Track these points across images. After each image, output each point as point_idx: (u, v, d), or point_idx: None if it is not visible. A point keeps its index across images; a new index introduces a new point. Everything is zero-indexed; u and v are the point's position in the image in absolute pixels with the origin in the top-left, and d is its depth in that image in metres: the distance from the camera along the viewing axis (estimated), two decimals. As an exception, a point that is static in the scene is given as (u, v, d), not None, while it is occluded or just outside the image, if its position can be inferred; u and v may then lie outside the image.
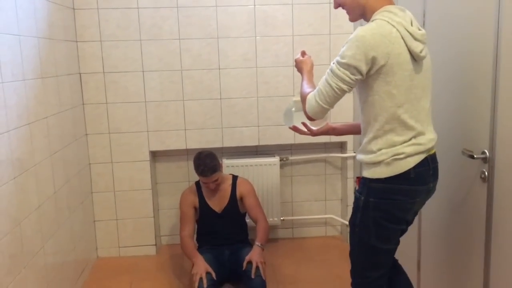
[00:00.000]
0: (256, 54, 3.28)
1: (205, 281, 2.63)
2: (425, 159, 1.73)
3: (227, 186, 3.00)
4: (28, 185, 2.21)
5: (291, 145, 3.50)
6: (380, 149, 1.70)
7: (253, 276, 2.65)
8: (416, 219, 2.37)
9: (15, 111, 2.12)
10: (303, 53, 2.06)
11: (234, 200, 2.99)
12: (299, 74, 2.04)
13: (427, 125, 1.77)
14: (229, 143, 3.34)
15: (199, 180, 3.04)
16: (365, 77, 1.66)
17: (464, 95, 1.93)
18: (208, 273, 2.69)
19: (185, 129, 3.32)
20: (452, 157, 2.02)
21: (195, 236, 3.08)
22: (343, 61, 1.65)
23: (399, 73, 1.64)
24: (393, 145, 1.69)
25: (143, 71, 3.23)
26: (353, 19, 1.82)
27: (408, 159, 1.69)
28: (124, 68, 3.21)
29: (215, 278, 2.69)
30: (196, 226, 3.06)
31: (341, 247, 3.45)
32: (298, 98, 2.19)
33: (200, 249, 2.99)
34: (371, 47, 1.60)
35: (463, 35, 1.92)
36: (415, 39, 1.66)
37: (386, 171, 1.70)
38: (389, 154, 1.69)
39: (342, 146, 3.52)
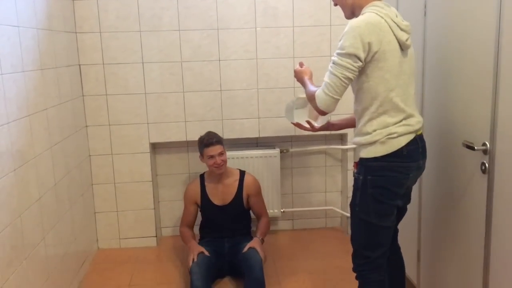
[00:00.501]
0: (257, 46, 3.26)
1: (195, 258, 2.73)
2: (414, 138, 1.88)
3: (233, 181, 3.01)
4: (28, 177, 2.21)
5: (292, 137, 3.50)
6: (375, 130, 1.85)
7: (245, 250, 2.77)
8: (416, 210, 2.39)
9: (15, 103, 2.11)
10: (301, 64, 2.23)
11: (240, 197, 3.00)
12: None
13: (414, 109, 1.92)
14: (229, 135, 3.34)
15: (203, 174, 3.05)
16: (364, 64, 1.79)
17: (465, 86, 1.93)
18: (201, 253, 2.77)
19: (185, 121, 3.32)
20: (452, 148, 2.02)
21: (198, 226, 3.11)
22: (344, 51, 1.78)
23: (390, 59, 1.80)
24: (387, 125, 1.84)
25: (143, 63, 3.22)
26: (346, 16, 1.98)
27: (400, 138, 1.84)
28: (123, 59, 3.19)
29: (207, 254, 2.78)
30: (199, 218, 3.10)
31: (341, 238, 3.46)
32: (301, 95, 2.35)
33: (201, 241, 3.01)
34: (366, 34, 1.75)
35: (464, 27, 1.91)
36: (401, 29, 1.83)
37: (381, 149, 1.84)
38: (383, 134, 1.84)
39: (342, 138, 3.52)
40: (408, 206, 2.49)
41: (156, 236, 3.45)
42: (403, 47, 1.84)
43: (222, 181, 3.00)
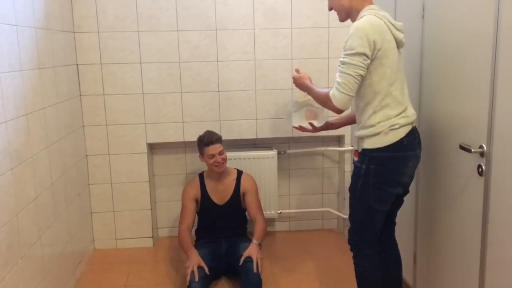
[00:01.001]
0: (255, 47, 3.27)
1: (196, 274, 2.65)
2: (412, 129, 2.04)
3: (231, 180, 3.02)
4: (25, 176, 2.21)
5: (289, 138, 3.50)
6: (379, 122, 1.99)
7: (255, 271, 2.66)
8: (412, 212, 2.39)
9: (12, 102, 2.11)
10: (298, 70, 2.38)
11: (237, 195, 3.00)
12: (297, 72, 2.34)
13: (409, 102, 2.08)
14: (227, 135, 3.34)
15: (202, 173, 3.05)
16: (370, 61, 1.93)
17: (462, 89, 1.93)
18: (200, 268, 2.70)
19: (183, 122, 3.32)
20: (449, 151, 2.02)
21: (194, 228, 3.09)
22: (354, 51, 1.91)
23: (391, 56, 1.96)
24: (389, 118, 1.98)
25: (140, 63, 3.21)
26: (341, 19, 2.15)
27: (401, 129, 1.99)
28: (121, 59, 3.19)
29: (207, 272, 2.70)
30: (196, 218, 3.08)
31: (338, 240, 3.46)
32: (298, 99, 2.46)
33: (198, 242, 3.00)
34: (371, 34, 1.90)
35: (461, 30, 1.92)
36: (397, 29, 2.00)
37: (385, 140, 1.98)
38: (387, 125, 1.98)
39: (339, 140, 3.53)
40: (405, 208, 2.51)
41: (152, 237, 3.44)
42: (399, 45, 2.02)
43: (221, 180, 3.00)
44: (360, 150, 2.08)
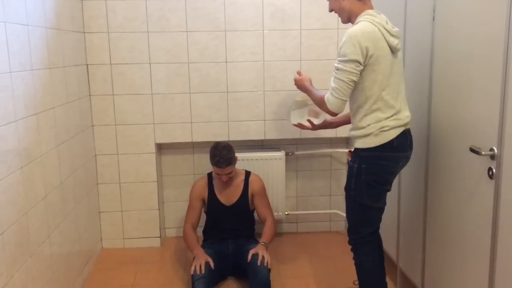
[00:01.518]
0: (264, 48, 3.27)
1: (203, 268, 2.67)
2: (403, 132, 2.13)
3: (239, 181, 3.02)
4: (34, 175, 2.22)
5: (297, 139, 3.50)
6: (369, 125, 2.09)
7: (259, 263, 2.67)
8: (421, 214, 2.38)
9: (23, 101, 2.12)
10: (300, 73, 2.49)
11: (245, 196, 3.00)
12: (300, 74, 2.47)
13: (404, 104, 2.16)
14: (235, 136, 3.34)
15: (211, 172, 3.05)
16: (363, 67, 2.02)
17: (472, 91, 1.92)
18: (206, 263, 2.72)
19: (191, 122, 3.32)
20: (459, 153, 2.01)
21: (202, 229, 3.10)
22: (346, 58, 2.01)
23: (383, 63, 2.03)
24: (379, 120, 2.08)
25: (150, 63, 3.23)
26: (343, 21, 2.23)
27: (391, 131, 2.09)
28: (131, 60, 3.21)
29: (212, 267, 2.72)
30: (204, 219, 3.08)
31: (345, 242, 3.41)
32: (298, 98, 2.55)
33: (204, 243, 3.01)
34: (363, 41, 1.99)
35: (472, 31, 1.90)
36: (391, 35, 2.07)
37: (374, 141, 2.09)
38: (377, 127, 2.08)
39: (348, 142, 3.52)
40: (413, 211, 2.50)
41: (160, 237, 3.45)
42: (393, 51, 2.08)
43: (229, 181, 3.00)
44: (353, 150, 2.19)
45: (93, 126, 3.25)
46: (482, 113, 1.85)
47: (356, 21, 2.10)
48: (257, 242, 2.92)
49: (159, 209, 3.43)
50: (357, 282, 2.51)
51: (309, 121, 2.57)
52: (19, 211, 2.05)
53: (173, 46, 3.22)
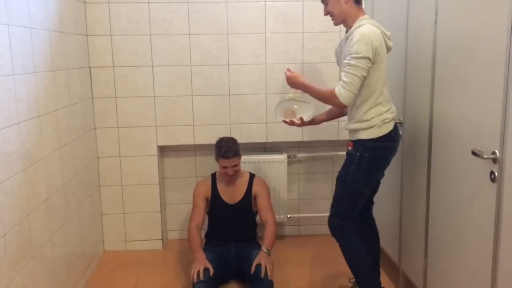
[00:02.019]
0: (266, 51, 3.27)
1: (201, 275, 2.65)
2: (395, 124, 2.37)
3: (243, 181, 3.03)
4: (37, 177, 2.23)
5: (299, 142, 3.50)
6: (373, 117, 2.28)
7: (262, 276, 2.64)
8: (423, 218, 2.38)
9: (25, 103, 2.13)
10: (290, 70, 2.53)
11: (249, 196, 3.01)
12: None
13: (391, 101, 2.40)
14: (237, 139, 3.32)
15: (215, 173, 3.05)
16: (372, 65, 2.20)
17: (475, 94, 1.92)
18: (206, 270, 2.69)
19: (193, 125, 3.33)
20: (461, 156, 2.00)
21: (204, 231, 3.09)
22: (360, 55, 2.17)
23: (384, 61, 2.27)
24: (381, 113, 2.29)
25: (152, 66, 3.23)
26: (337, 23, 2.39)
27: (390, 123, 2.31)
28: (133, 62, 3.21)
29: (211, 275, 2.69)
30: (207, 218, 3.07)
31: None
32: (292, 95, 2.61)
33: (207, 245, 3.01)
34: (374, 41, 2.18)
35: (474, 34, 1.90)
36: (388, 38, 2.29)
37: (378, 132, 2.29)
38: (380, 120, 2.28)
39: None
40: (415, 214, 2.49)
41: (162, 239, 3.45)
42: (388, 51, 2.31)
43: (233, 181, 3.01)
44: (354, 141, 2.34)
45: (95, 128, 3.26)
46: (484, 116, 1.84)
47: (357, 24, 2.25)
48: (259, 246, 2.91)
49: (161, 212, 3.43)
50: (353, 280, 2.65)
51: (300, 119, 2.60)
52: (21, 213, 2.05)
53: (176, 48, 3.22)
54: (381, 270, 3.01)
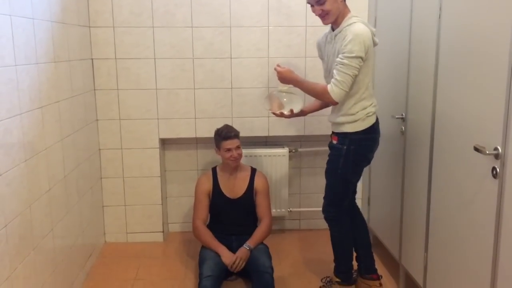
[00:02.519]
0: (269, 44, 3.26)
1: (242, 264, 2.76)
2: (377, 118, 2.48)
3: (245, 175, 3.03)
4: (39, 168, 2.23)
5: (301, 136, 3.50)
6: (357, 112, 2.40)
7: (233, 268, 2.74)
8: (424, 213, 2.38)
9: (28, 94, 2.13)
10: (279, 65, 2.55)
11: (250, 192, 3.02)
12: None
13: (374, 95, 2.52)
14: (238, 132, 3.34)
15: (215, 167, 3.06)
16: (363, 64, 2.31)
17: (478, 89, 1.91)
18: (215, 264, 2.72)
19: (195, 118, 3.33)
20: (463, 152, 2.00)
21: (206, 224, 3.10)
22: (353, 55, 2.25)
23: (372, 58, 2.38)
24: (365, 107, 2.41)
25: (154, 58, 3.23)
26: (328, 23, 2.42)
27: (373, 116, 2.44)
28: (136, 54, 3.21)
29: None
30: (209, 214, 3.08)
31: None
32: (282, 88, 2.64)
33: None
34: (366, 40, 2.28)
35: (478, 29, 1.89)
36: (374, 34, 2.39)
37: (362, 125, 2.41)
38: (364, 113, 2.40)
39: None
40: (416, 210, 2.49)
41: (163, 232, 3.46)
42: (373, 46, 2.39)
43: (234, 174, 3.01)
44: (339, 134, 2.47)
45: (97, 120, 3.26)
46: (487, 112, 1.84)
47: (347, 22, 2.35)
48: (262, 243, 2.94)
49: (162, 204, 3.44)
50: (324, 280, 2.80)
51: (291, 110, 2.64)
52: (23, 204, 2.06)
53: (178, 41, 3.22)
54: (382, 266, 3.04)
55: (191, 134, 3.35)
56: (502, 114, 1.72)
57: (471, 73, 1.96)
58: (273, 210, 3.28)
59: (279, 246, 3.32)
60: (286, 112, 2.61)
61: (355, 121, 2.41)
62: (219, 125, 3.26)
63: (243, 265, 2.76)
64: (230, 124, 3.31)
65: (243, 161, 3.22)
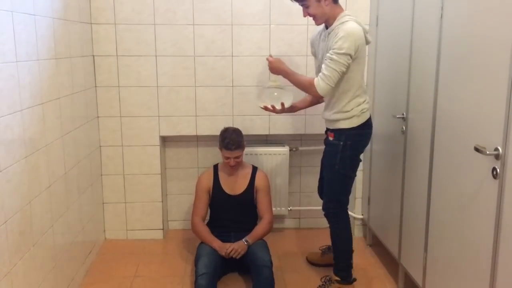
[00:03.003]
0: (270, 43, 3.26)
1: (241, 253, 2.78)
2: (370, 114, 2.59)
3: (246, 173, 3.04)
4: (39, 164, 2.23)
5: (301, 135, 3.49)
6: (352, 108, 2.49)
7: (226, 253, 2.76)
8: (424, 213, 2.38)
9: (29, 91, 2.13)
10: (271, 56, 2.64)
11: (251, 189, 3.03)
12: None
13: (366, 91, 2.62)
14: (239, 131, 3.34)
15: (217, 164, 3.06)
16: (352, 61, 2.36)
17: (478, 89, 1.91)
18: (210, 260, 2.73)
19: (196, 116, 3.33)
20: (463, 152, 2.00)
21: (205, 222, 3.10)
22: (342, 51, 2.32)
23: (364, 56, 2.47)
24: (359, 104, 2.50)
25: (156, 56, 3.23)
26: (319, 24, 2.52)
27: (367, 112, 2.55)
28: (137, 52, 3.21)
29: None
30: (208, 211, 3.09)
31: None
32: (272, 83, 2.71)
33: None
34: (357, 39, 2.35)
35: (480, 29, 1.89)
36: (367, 32, 2.45)
37: (357, 121, 2.50)
38: (359, 110, 2.49)
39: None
40: (416, 210, 2.49)
41: (163, 229, 3.47)
42: (366, 44, 2.47)
43: (235, 172, 3.02)
44: (334, 130, 2.54)
45: (98, 117, 3.26)
46: (488, 112, 1.84)
47: (339, 20, 2.40)
48: (262, 239, 2.94)
49: (162, 202, 3.44)
50: (323, 279, 2.81)
51: (282, 104, 2.68)
52: (23, 200, 2.06)
53: (180, 39, 3.22)
54: (381, 264, 3.05)
55: (192, 132, 3.35)
56: (502, 114, 1.72)
57: (472, 73, 1.95)
58: (273, 209, 3.27)
59: (279, 244, 3.32)
60: (277, 106, 2.65)
61: (351, 117, 2.49)
62: (220, 123, 3.27)
63: (239, 255, 2.77)
64: (230, 122, 3.32)
65: (244, 159, 3.22)
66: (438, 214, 2.29)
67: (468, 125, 1.98)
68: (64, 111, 2.57)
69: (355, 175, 2.64)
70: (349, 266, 2.70)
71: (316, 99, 2.76)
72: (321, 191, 2.82)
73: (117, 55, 3.20)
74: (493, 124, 1.79)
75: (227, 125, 3.27)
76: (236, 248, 2.78)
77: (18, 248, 2.00)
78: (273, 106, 2.66)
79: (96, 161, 3.23)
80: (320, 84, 2.36)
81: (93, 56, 3.18)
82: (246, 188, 3.01)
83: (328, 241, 3.44)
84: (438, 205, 2.28)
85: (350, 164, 2.56)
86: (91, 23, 3.13)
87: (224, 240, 2.90)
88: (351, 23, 2.37)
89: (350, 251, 2.71)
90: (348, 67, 2.35)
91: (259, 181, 3.03)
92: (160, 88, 3.27)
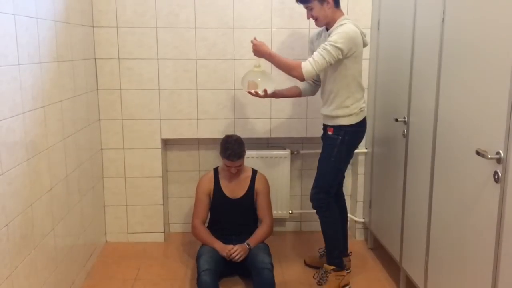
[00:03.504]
0: (272, 46, 3.26)
1: (243, 256, 2.80)
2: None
3: (246, 177, 3.04)
4: (40, 167, 2.24)
5: (302, 138, 3.49)
6: (352, 104, 2.63)
7: (228, 255, 2.77)
8: (426, 217, 2.37)
9: (30, 93, 2.13)
10: (255, 39, 2.70)
11: (251, 193, 3.02)
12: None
13: (364, 90, 2.76)
14: (240, 134, 3.32)
15: (217, 167, 3.06)
16: (342, 58, 2.51)
17: (480, 93, 1.91)
18: (212, 258, 2.75)
19: (197, 118, 3.33)
20: (465, 156, 2.00)
21: (206, 225, 3.10)
22: (337, 45, 2.46)
23: (361, 56, 2.63)
24: (358, 101, 2.66)
25: (157, 59, 3.23)
26: (320, 26, 2.68)
27: (364, 111, 2.72)
28: (139, 55, 3.21)
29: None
30: (209, 215, 3.09)
31: (348, 241, 3.43)
32: (256, 69, 2.75)
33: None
34: (353, 40, 2.51)
35: (481, 33, 1.89)
36: (364, 35, 2.62)
37: (356, 118, 2.66)
38: (358, 107, 2.65)
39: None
40: (418, 213, 2.49)
41: (164, 232, 3.46)
42: (364, 47, 2.64)
43: (235, 176, 3.01)
44: (334, 126, 2.67)
45: (100, 120, 3.26)
46: (489, 116, 1.83)
47: (339, 23, 2.55)
48: (263, 243, 2.94)
49: (163, 205, 3.44)
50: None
51: (264, 91, 2.74)
52: (25, 203, 2.06)
53: (181, 42, 3.22)
54: (382, 268, 3.04)
55: (193, 135, 3.36)
56: (504, 118, 1.72)
57: (473, 77, 1.95)
58: (274, 212, 3.28)
59: (280, 247, 3.32)
60: (260, 91, 2.71)
61: (350, 115, 2.63)
62: (221, 126, 3.27)
63: (240, 258, 2.76)
64: (232, 125, 3.32)
65: (245, 162, 3.22)
66: (439, 217, 2.28)
67: (470, 129, 1.98)
68: (65, 114, 2.57)
69: (346, 169, 2.81)
70: (342, 251, 2.88)
71: (299, 91, 2.92)
72: None
73: (119, 58, 3.21)
74: (494, 128, 1.79)
75: (228, 128, 3.28)
76: (239, 249, 2.78)
77: (19, 251, 2.00)
78: (256, 91, 2.73)
79: (98, 164, 3.23)
80: (307, 66, 2.48)
81: (95, 59, 3.18)
82: (246, 192, 3.01)
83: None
84: (440, 209, 2.27)
85: (344, 158, 2.72)
86: (93, 26, 3.14)
87: (225, 243, 2.90)
88: (350, 25, 2.53)
89: (340, 238, 2.87)
90: (335, 61, 2.48)
91: (259, 184, 3.03)
92: (162, 91, 3.28)
